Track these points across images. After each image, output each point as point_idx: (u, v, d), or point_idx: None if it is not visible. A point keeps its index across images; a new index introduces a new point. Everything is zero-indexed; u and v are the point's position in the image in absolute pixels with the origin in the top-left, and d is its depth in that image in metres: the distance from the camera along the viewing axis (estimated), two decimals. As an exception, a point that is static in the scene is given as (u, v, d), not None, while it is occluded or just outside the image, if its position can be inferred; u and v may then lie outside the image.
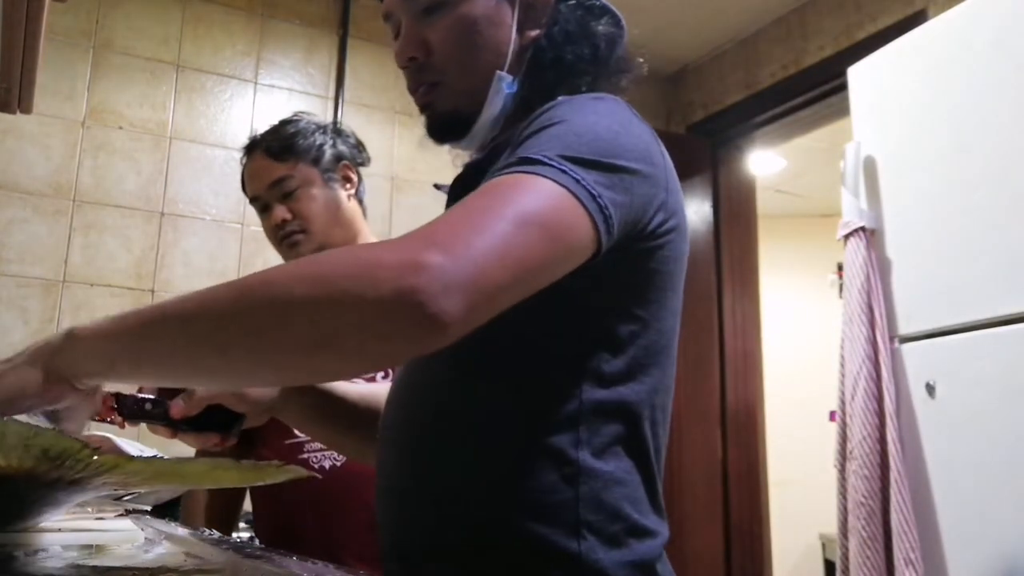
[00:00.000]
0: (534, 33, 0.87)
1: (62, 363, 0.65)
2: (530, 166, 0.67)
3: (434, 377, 0.79)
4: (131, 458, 0.53)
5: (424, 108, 0.89)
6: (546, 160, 0.68)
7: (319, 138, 1.49)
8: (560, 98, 0.80)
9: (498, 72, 0.85)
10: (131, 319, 0.63)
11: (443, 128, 0.88)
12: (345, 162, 1.51)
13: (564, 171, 0.67)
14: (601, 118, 0.75)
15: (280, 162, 1.46)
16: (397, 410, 0.84)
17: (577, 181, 0.67)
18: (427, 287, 0.56)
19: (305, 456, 1.36)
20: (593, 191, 0.67)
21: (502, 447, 0.74)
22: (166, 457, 0.53)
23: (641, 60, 0.92)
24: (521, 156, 0.69)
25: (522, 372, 0.76)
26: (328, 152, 1.49)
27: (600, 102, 0.78)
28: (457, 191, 0.86)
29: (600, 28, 0.88)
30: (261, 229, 1.53)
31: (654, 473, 0.78)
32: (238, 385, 0.60)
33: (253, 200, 1.51)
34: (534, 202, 0.65)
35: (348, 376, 0.66)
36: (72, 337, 0.65)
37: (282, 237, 1.46)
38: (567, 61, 0.86)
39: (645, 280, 0.78)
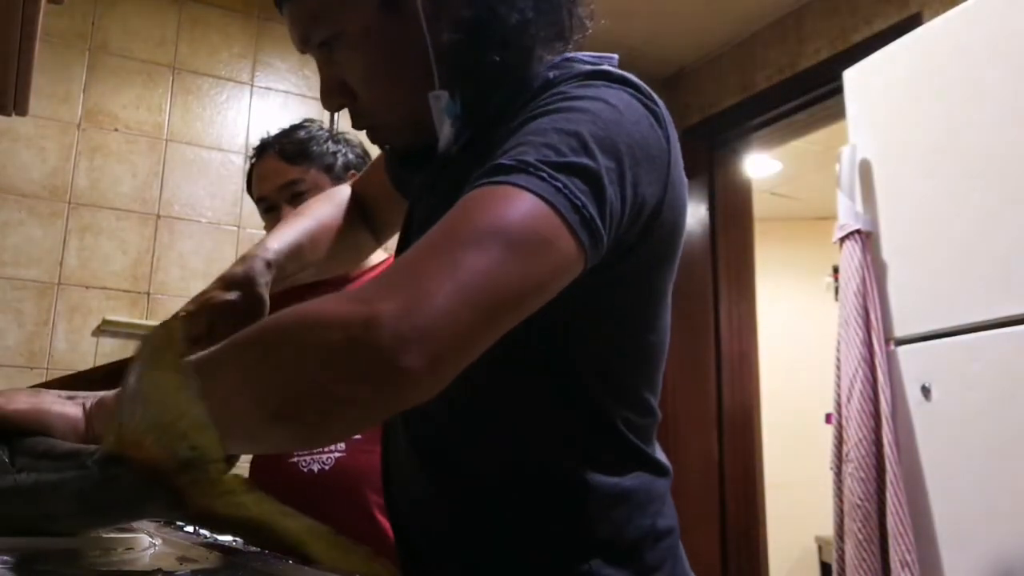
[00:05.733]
0: (448, 37, 0.74)
1: (97, 424, 0.67)
2: (503, 175, 0.59)
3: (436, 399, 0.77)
4: (249, 488, 0.49)
5: (381, 147, 0.84)
6: (521, 166, 0.60)
7: (331, 146, 1.51)
8: (551, 74, 0.74)
9: (431, 95, 0.75)
10: None
11: (409, 163, 0.82)
12: (353, 171, 1.52)
13: (542, 178, 0.59)
14: (589, 106, 0.66)
15: (293, 165, 1.47)
16: (411, 425, 0.81)
17: (557, 189, 0.58)
18: (380, 342, 0.49)
19: (294, 459, 1.35)
20: (576, 200, 0.59)
21: (507, 473, 0.73)
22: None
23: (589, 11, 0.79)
24: (495, 164, 0.61)
25: (517, 396, 0.73)
26: (340, 160, 1.51)
27: (591, 87, 0.69)
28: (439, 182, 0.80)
29: (516, 10, 0.73)
30: (258, 232, 1.53)
31: (662, 466, 0.76)
32: None
33: (260, 200, 1.52)
34: (505, 219, 0.56)
35: (322, 445, 0.59)
36: (101, 403, 0.68)
37: None
38: (489, 66, 0.74)
39: (633, 298, 0.72)
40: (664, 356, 0.77)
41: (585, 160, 0.61)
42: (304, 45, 0.79)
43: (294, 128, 1.53)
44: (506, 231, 0.56)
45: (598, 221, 0.60)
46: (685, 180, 0.74)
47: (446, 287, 0.52)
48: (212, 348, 0.57)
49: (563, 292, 0.61)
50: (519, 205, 0.57)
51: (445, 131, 0.76)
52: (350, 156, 1.53)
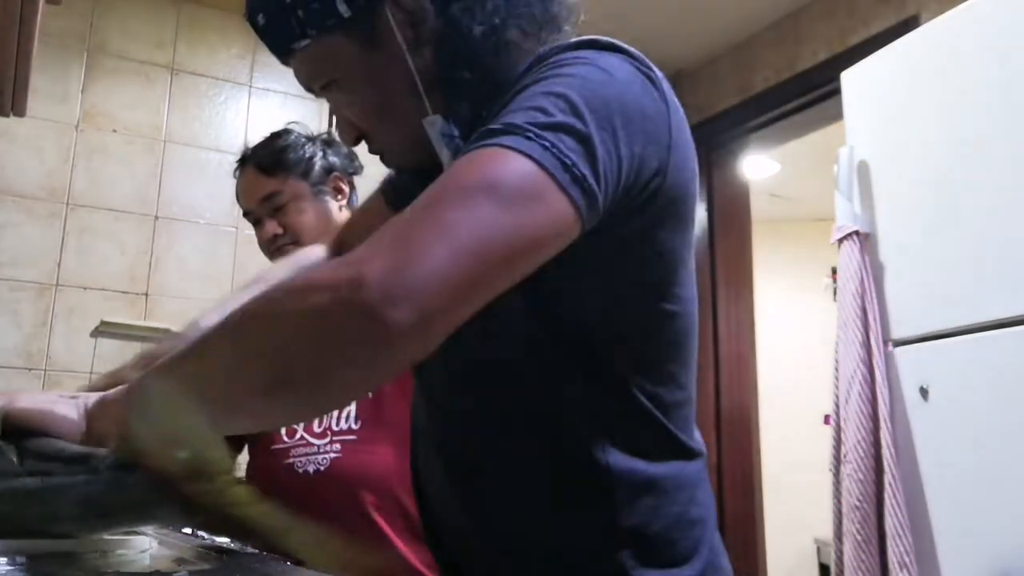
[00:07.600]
0: (427, 59, 0.75)
1: (97, 425, 0.66)
2: (491, 139, 0.59)
3: (459, 384, 0.77)
4: (258, 500, 0.50)
5: (395, 170, 0.87)
6: (508, 128, 0.60)
7: (309, 151, 1.49)
8: (541, 50, 0.73)
9: (425, 121, 0.75)
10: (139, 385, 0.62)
11: (423, 182, 0.85)
12: (336, 173, 1.51)
13: (529, 137, 0.58)
14: (578, 71, 0.65)
15: (269, 177, 1.46)
16: (443, 411, 0.81)
17: (545, 148, 0.58)
18: (368, 300, 0.50)
19: (290, 461, 1.35)
20: (565, 158, 0.58)
21: (535, 462, 0.72)
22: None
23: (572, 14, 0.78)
24: (484, 129, 0.61)
25: (538, 373, 0.72)
26: (318, 165, 1.48)
27: (580, 55, 0.68)
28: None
29: (479, 21, 0.72)
30: (255, 233, 1.53)
31: (693, 450, 0.75)
32: (226, 432, 0.57)
33: (246, 214, 1.51)
34: (492, 177, 0.56)
35: (324, 412, 0.60)
36: (102, 402, 0.67)
37: (274, 250, 1.46)
38: (465, 80, 0.74)
39: (642, 262, 0.70)
40: (691, 328, 0.75)
41: (573, 120, 0.61)
42: (310, 92, 0.82)
43: (273, 137, 1.51)
44: (493, 188, 0.56)
45: (590, 180, 0.59)
46: (692, 144, 0.72)
47: (433, 244, 0.52)
48: (206, 329, 0.58)
49: (571, 257, 0.61)
50: (505, 163, 0.57)
51: (445, 154, 0.76)
52: (331, 159, 1.51)
